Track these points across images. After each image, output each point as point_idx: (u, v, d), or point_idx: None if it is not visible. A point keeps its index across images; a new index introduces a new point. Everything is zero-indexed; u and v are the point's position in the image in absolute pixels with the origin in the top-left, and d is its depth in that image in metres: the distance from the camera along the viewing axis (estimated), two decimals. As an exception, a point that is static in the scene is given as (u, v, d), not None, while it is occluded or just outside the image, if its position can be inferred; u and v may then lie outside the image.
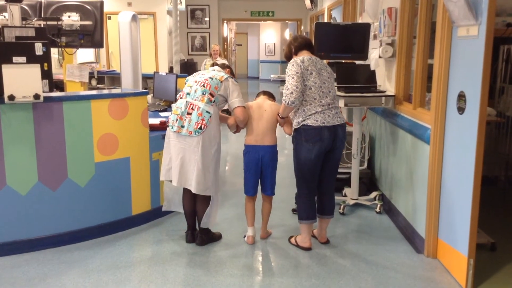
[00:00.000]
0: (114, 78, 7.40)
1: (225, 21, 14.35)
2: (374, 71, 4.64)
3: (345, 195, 4.81)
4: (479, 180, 2.97)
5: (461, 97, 3.12)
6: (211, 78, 3.63)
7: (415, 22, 4.17)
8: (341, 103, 4.25)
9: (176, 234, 3.98)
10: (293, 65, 3.50)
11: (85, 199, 3.81)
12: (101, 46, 4.33)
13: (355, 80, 4.56)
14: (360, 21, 6.35)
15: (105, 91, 4.60)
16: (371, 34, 4.93)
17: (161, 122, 4.55)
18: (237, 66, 21.15)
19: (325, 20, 10.02)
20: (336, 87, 3.67)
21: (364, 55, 4.85)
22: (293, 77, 3.44)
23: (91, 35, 4.17)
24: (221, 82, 3.63)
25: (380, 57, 4.56)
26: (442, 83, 3.34)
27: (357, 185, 4.67)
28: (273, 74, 15.62)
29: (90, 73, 6.25)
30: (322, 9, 10.69)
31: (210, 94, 3.58)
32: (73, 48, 4.34)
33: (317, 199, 3.74)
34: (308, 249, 3.70)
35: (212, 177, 3.64)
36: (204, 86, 3.60)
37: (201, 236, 3.79)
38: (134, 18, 5.17)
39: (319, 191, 3.72)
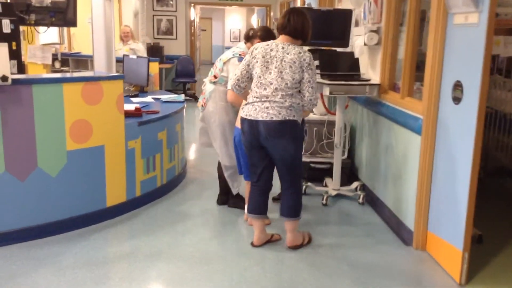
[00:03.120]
0: (79, 61, 7.04)
1: (193, 4, 13.97)
2: (357, 59, 4.52)
3: (326, 185, 4.71)
4: (477, 171, 2.90)
5: (458, 86, 3.04)
6: (219, 60, 3.97)
7: (402, 8, 4.07)
8: (326, 91, 4.12)
9: (155, 227, 3.78)
10: (249, 51, 3.38)
11: (56, 190, 3.55)
12: (75, 25, 4.02)
13: (338, 67, 4.43)
14: (339, 7, 6.22)
15: (78, 74, 4.29)
16: (353, 20, 4.80)
17: (136, 108, 4.30)
18: (202, 51, 20.81)
19: (298, 6, 9.86)
20: (304, 79, 3.21)
21: (345, 42, 4.71)
22: (241, 64, 3.38)
23: (63, 13, 3.85)
24: (224, 64, 3.90)
25: (365, 44, 4.44)
26: (436, 72, 3.25)
27: (339, 175, 4.57)
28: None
29: (53, 55, 5.88)
30: (294, -6, 10.51)
31: (214, 76, 3.97)
32: (43, 26, 4.00)
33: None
34: (253, 245, 3.48)
35: (218, 145, 4.03)
36: (213, 68, 4.02)
37: (228, 199, 4.25)
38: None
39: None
